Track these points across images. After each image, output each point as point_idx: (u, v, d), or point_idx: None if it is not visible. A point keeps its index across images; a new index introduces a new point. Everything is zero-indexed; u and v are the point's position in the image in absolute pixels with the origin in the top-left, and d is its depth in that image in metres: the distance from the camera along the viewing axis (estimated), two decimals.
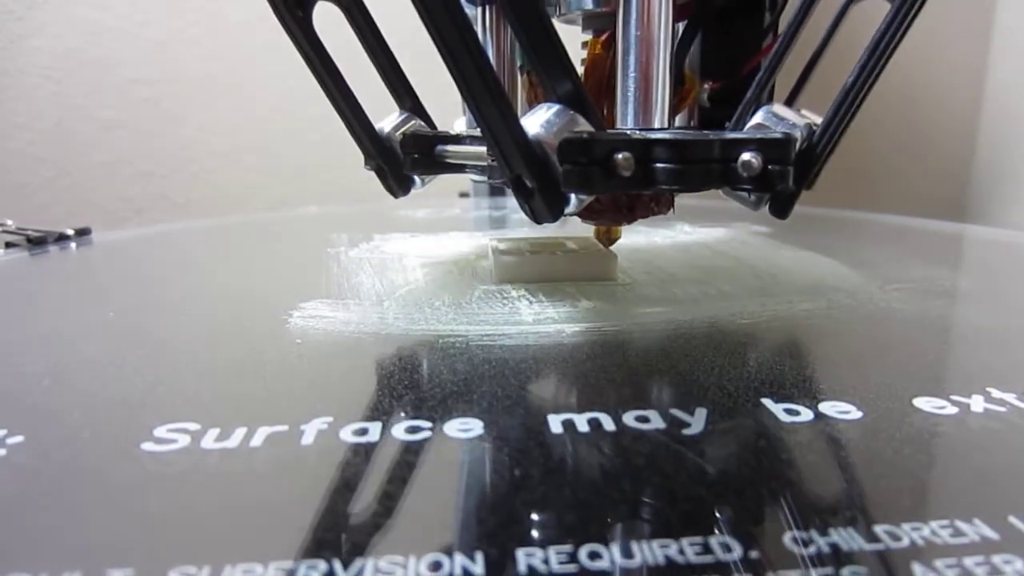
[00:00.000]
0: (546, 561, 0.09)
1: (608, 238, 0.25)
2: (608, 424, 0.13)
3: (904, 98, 0.67)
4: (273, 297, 0.23)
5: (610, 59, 0.19)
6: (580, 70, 0.21)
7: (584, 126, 0.16)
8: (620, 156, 0.16)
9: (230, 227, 0.43)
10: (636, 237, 0.33)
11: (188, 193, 0.68)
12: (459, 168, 0.21)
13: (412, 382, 0.16)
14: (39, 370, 0.17)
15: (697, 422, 0.13)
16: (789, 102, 0.22)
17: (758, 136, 0.17)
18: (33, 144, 0.64)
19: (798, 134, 0.18)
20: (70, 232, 0.34)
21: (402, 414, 0.14)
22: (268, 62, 0.64)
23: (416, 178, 0.24)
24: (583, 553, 0.09)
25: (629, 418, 0.14)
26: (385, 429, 0.13)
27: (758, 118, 0.19)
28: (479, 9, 0.23)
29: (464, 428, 0.13)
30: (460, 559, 0.09)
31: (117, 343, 0.19)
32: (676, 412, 0.14)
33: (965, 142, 0.69)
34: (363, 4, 0.22)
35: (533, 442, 0.13)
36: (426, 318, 0.20)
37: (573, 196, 0.17)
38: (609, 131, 0.17)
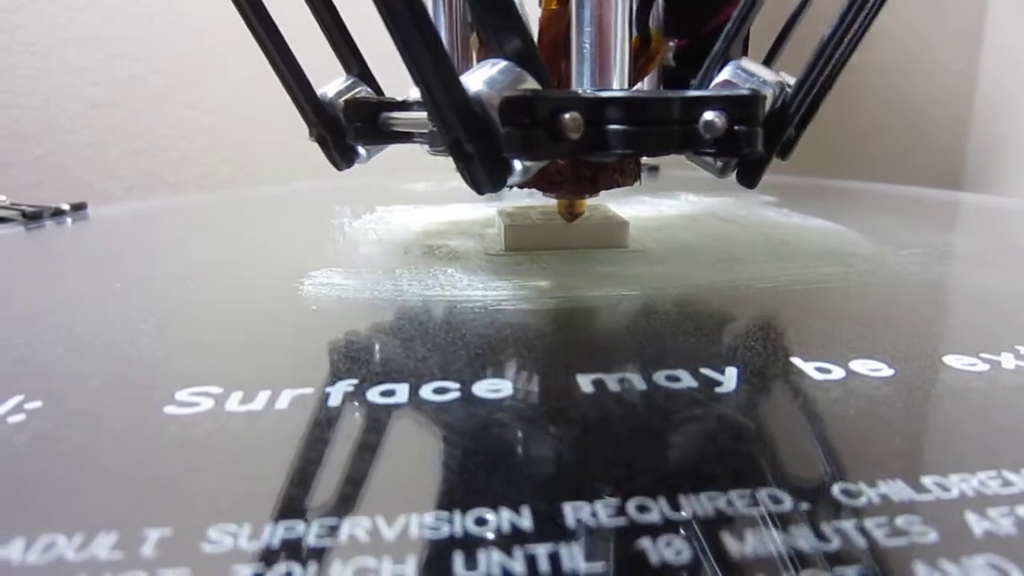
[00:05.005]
0: (594, 514, 0.09)
1: (571, 212, 0.23)
2: (639, 384, 0.13)
3: (900, 71, 0.66)
4: (281, 267, 0.23)
5: (567, 14, 0.18)
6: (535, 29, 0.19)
7: (531, 84, 0.15)
8: (567, 116, 0.14)
9: (229, 201, 0.42)
10: (643, 208, 0.33)
11: (179, 171, 0.67)
12: (407, 137, 0.20)
13: (436, 344, 0.15)
14: (51, 338, 0.16)
15: (729, 380, 0.13)
16: (767, 64, 0.21)
17: (723, 94, 0.16)
18: (19, 122, 0.63)
19: (769, 92, 0.16)
20: (66, 207, 0.33)
21: (428, 375, 0.14)
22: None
23: (360, 149, 0.22)
24: (631, 506, 0.09)
25: (660, 377, 0.13)
26: (413, 390, 0.13)
27: (725, 74, 0.17)
28: None
29: (493, 388, 0.13)
30: (506, 513, 0.09)
31: (127, 313, 0.18)
32: (707, 371, 0.14)
33: (961, 113, 0.69)
34: None
35: (565, 401, 0.12)
36: (440, 284, 0.20)
37: (517, 163, 0.16)
38: (556, 90, 0.15)
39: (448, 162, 0.16)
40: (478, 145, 0.15)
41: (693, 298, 0.19)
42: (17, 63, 0.62)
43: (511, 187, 0.17)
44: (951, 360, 0.14)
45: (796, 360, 0.14)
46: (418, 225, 0.29)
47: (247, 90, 0.64)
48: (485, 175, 0.15)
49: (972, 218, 0.35)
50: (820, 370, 0.14)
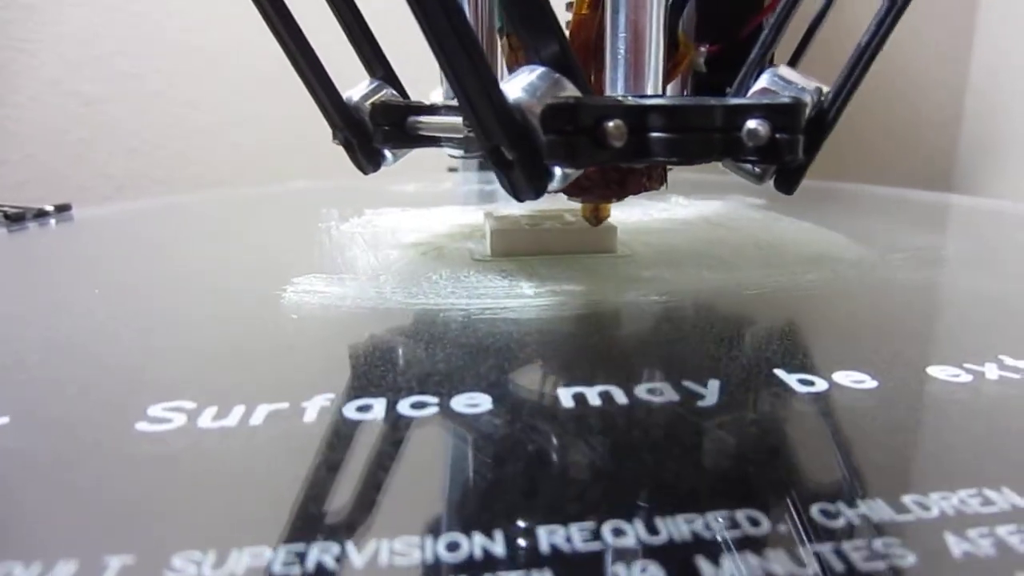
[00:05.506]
0: (569, 539, 0.09)
1: (596, 216, 0.23)
2: (620, 397, 0.13)
3: (891, 70, 0.66)
4: (264, 273, 0.23)
5: (598, 19, 0.18)
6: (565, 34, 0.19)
7: (571, 91, 0.15)
8: (611, 124, 0.15)
9: (216, 201, 0.42)
10: (632, 211, 0.32)
11: (172, 171, 0.66)
12: (434, 141, 0.20)
13: (415, 356, 0.15)
14: (23, 349, 0.16)
15: (711, 394, 0.13)
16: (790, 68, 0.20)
17: (765, 102, 0.16)
18: (9, 120, 0.63)
19: (808, 99, 0.17)
20: (49, 208, 0.33)
21: (407, 389, 0.13)
22: (254, 34, 0.62)
23: (387, 153, 0.22)
24: (606, 529, 0.09)
25: (642, 391, 0.13)
26: (390, 405, 0.13)
27: (762, 82, 0.17)
28: None
29: (472, 403, 0.13)
30: (479, 538, 0.09)
31: (104, 321, 0.18)
32: (689, 384, 0.13)
33: (952, 112, 0.69)
34: None
35: (545, 416, 0.12)
36: (424, 292, 0.20)
37: (558, 169, 0.16)
38: (599, 97, 0.16)
39: (443, 162, 0.16)
40: (519, 152, 0.15)
41: (679, 306, 0.19)
42: (9, 60, 0.62)
43: (551, 192, 0.17)
44: (935, 371, 0.14)
45: (779, 372, 0.14)
46: (406, 229, 0.29)
47: (244, 90, 0.64)
48: (526, 182, 0.15)
49: (961, 221, 0.35)
50: (803, 382, 0.14)
